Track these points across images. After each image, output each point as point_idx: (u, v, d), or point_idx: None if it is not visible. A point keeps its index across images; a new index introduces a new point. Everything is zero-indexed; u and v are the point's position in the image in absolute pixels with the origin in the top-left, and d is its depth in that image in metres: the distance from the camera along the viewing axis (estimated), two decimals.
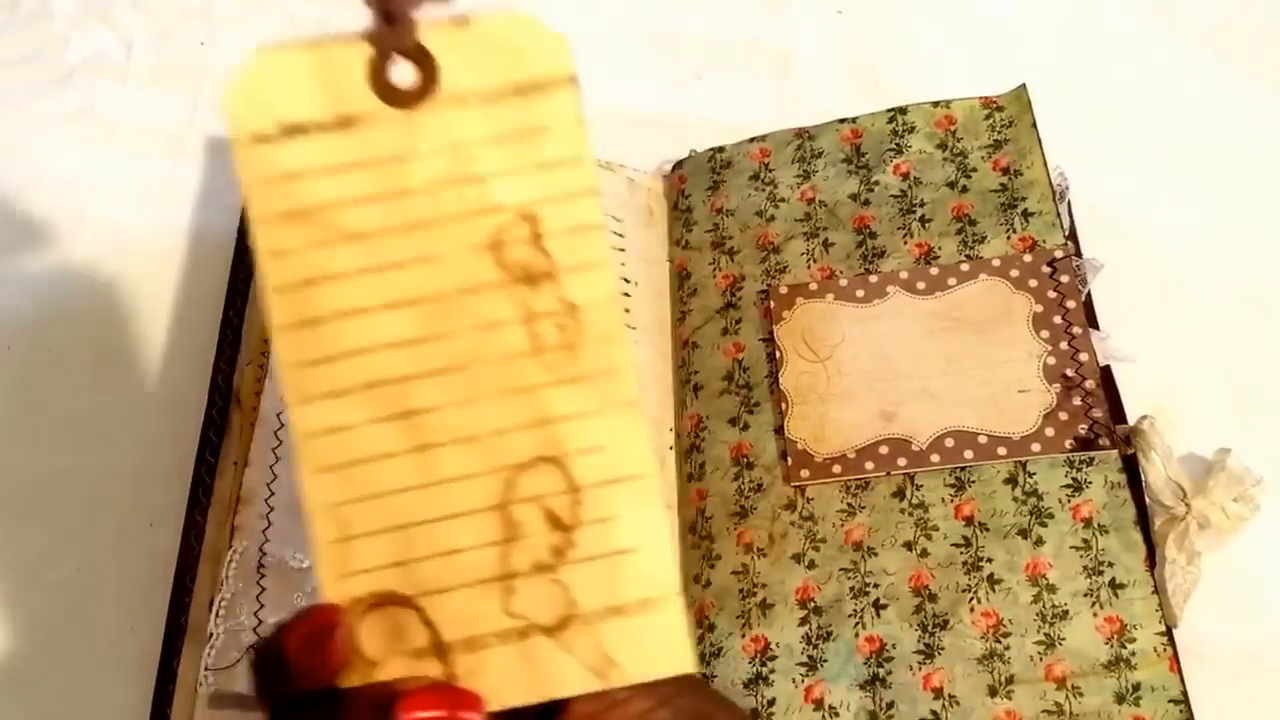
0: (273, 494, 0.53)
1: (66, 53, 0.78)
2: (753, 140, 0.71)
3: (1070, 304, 0.61)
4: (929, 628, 0.55)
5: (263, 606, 0.51)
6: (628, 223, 0.70)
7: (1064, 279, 0.61)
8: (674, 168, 0.73)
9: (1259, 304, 0.67)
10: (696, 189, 0.71)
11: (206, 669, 0.49)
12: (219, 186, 0.72)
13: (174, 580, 0.57)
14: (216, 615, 0.50)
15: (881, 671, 0.54)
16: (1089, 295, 0.63)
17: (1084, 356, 0.59)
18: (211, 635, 0.49)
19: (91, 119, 0.76)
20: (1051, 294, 0.61)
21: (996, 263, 0.62)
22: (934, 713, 0.53)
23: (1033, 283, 0.61)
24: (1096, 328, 0.62)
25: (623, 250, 0.68)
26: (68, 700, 0.58)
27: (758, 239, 0.67)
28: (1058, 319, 0.60)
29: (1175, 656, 0.53)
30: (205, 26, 0.80)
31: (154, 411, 0.65)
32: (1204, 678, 0.54)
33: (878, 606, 0.56)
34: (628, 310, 0.67)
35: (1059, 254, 0.62)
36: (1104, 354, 0.60)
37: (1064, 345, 0.60)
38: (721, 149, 0.72)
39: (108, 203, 0.72)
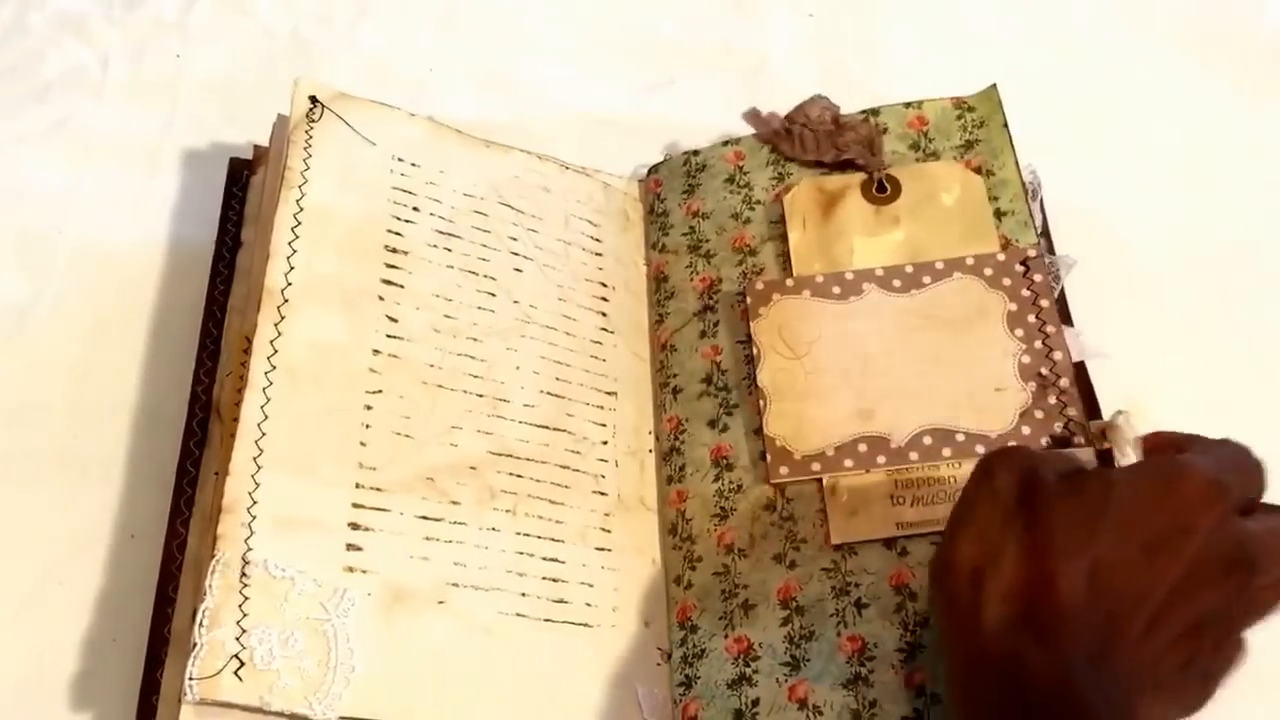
0: (255, 503, 0.53)
1: (42, 68, 0.78)
2: (727, 143, 0.72)
3: (1044, 303, 0.61)
4: (910, 626, 0.55)
5: (245, 615, 0.50)
6: (604, 227, 0.70)
7: (1037, 278, 0.62)
8: (649, 172, 0.73)
9: (1230, 297, 0.68)
10: (672, 193, 0.71)
11: (190, 679, 0.49)
12: (196, 198, 0.72)
13: (156, 590, 0.57)
14: (199, 625, 0.50)
15: (864, 670, 0.54)
16: (1062, 291, 0.63)
17: (1058, 355, 0.60)
18: (195, 645, 0.49)
19: (68, 133, 0.75)
20: (1025, 293, 0.61)
21: (970, 261, 0.63)
22: (916, 710, 0.53)
23: (1006, 281, 0.62)
24: (1070, 324, 0.62)
25: (599, 255, 0.69)
26: (51, 712, 0.57)
27: (734, 241, 0.68)
28: (1032, 318, 0.61)
29: None
30: (180, 39, 0.80)
31: (134, 423, 0.65)
32: None
33: (859, 606, 0.56)
34: (605, 315, 0.67)
35: (1032, 253, 0.62)
36: (1078, 351, 0.61)
37: (1038, 344, 0.60)
38: (696, 152, 0.72)
39: (85, 216, 0.72)
